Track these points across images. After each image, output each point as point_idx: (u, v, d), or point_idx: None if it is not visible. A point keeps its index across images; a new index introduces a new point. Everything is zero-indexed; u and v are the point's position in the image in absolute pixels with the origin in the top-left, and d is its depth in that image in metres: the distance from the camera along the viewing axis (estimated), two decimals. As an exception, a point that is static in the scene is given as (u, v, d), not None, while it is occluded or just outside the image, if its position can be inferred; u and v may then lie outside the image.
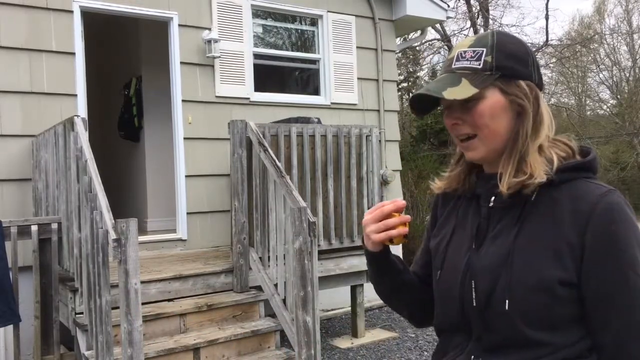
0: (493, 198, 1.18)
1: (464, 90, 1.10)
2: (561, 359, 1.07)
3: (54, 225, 3.93)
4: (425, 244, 1.40)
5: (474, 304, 1.13)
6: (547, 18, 15.02)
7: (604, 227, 1.05)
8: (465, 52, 1.14)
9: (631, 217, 1.08)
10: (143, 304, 3.60)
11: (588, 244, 1.05)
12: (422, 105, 1.21)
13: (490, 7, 15.68)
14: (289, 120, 5.23)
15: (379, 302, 6.43)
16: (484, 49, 1.13)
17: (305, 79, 6.61)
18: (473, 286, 1.14)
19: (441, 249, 1.26)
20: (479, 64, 1.12)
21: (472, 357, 1.15)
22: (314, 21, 6.44)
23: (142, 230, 6.53)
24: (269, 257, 4.16)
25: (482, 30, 15.44)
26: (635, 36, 21.44)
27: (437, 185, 1.31)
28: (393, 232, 1.22)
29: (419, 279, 1.39)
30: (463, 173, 1.26)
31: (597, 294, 1.06)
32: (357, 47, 6.60)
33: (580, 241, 1.06)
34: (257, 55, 5.98)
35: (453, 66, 1.15)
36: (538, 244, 1.09)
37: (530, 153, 1.11)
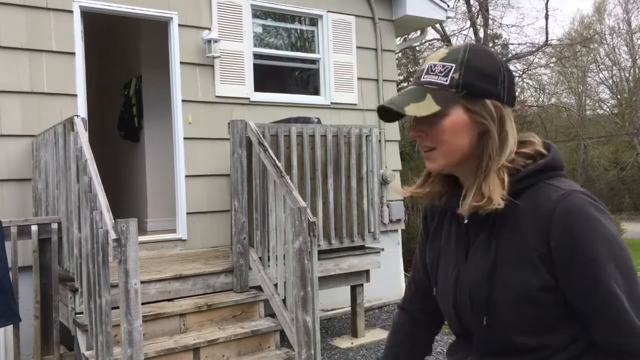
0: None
1: (426, 107, 1.10)
2: None
3: (54, 225, 3.93)
4: (421, 255, 1.42)
5: (466, 318, 1.19)
6: (547, 18, 15.05)
7: (565, 232, 1.05)
8: (435, 65, 1.14)
9: (593, 214, 1.06)
10: (143, 304, 3.60)
11: (554, 249, 1.06)
12: (389, 114, 1.20)
13: (490, 7, 15.68)
14: (288, 120, 5.23)
15: (379, 302, 6.43)
16: (453, 65, 1.12)
17: (305, 79, 6.62)
18: (462, 302, 1.19)
19: (434, 267, 1.31)
20: (446, 80, 1.12)
21: None
22: (313, 21, 6.45)
23: (142, 230, 6.53)
24: (268, 257, 4.16)
25: (482, 31, 15.44)
26: (635, 36, 21.45)
27: (407, 190, 1.32)
28: None
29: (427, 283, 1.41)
30: (441, 188, 1.27)
31: (576, 295, 1.07)
32: (357, 47, 6.60)
33: (547, 247, 1.07)
34: (257, 55, 5.98)
35: (422, 79, 1.15)
36: (512, 256, 1.11)
37: (491, 174, 1.11)
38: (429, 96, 1.11)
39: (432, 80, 1.13)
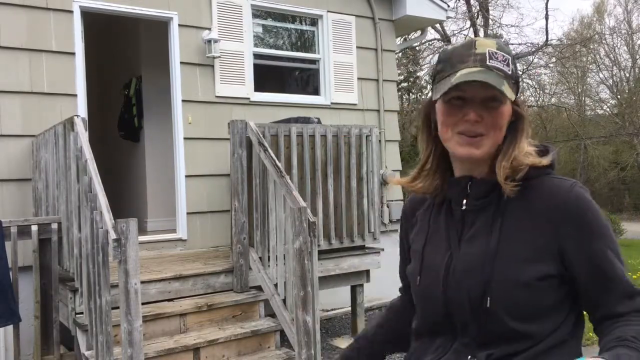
0: (465, 201, 1.23)
1: (508, 92, 1.13)
2: (548, 346, 1.14)
3: (54, 225, 3.93)
4: (403, 258, 1.45)
5: (459, 304, 1.18)
6: (546, 18, 15.07)
7: (580, 217, 1.14)
8: (496, 53, 1.16)
9: (596, 205, 1.18)
10: (143, 304, 3.59)
11: (569, 234, 1.13)
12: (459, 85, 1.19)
13: (490, 7, 15.68)
14: (288, 120, 5.23)
15: (379, 302, 6.43)
16: (509, 57, 1.17)
17: (305, 79, 6.61)
18: (456, 286, 1.19)
19: (418, 256, 1.30)
20: (509, 70, 1.16)
21: (461, 354, 1.19)
22: (314, 21, 6.44)
23: (142, 230, 6.53)
24: (269, 257, 4.16)
25: (482, 31, 15.44)
26: (635, 36, 21.45)
27: (400, 181, 1.36)
28: None
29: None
30: (439, 179, 1.28)
31: (591, 275, 1.14)
32: (357, 47, 6.60)
33: (558, 233, 1.14)
34: (257, 55, 5.98)
35: (488, 63, 1.15)
36: (517, 241, 1.15)
37: (522, 150, 1.18)
38: (505, 82, 1.14)
39: (500, 67, 1.15)
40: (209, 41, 5.51)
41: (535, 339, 1.14)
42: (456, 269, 1.20)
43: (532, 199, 1.17)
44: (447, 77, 1.16)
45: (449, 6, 7.28)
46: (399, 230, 1.46)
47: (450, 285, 1.20)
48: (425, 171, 1.29)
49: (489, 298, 1.13)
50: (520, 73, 18.02)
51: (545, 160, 1.18)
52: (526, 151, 1.18)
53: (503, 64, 1.15)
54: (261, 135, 4.21)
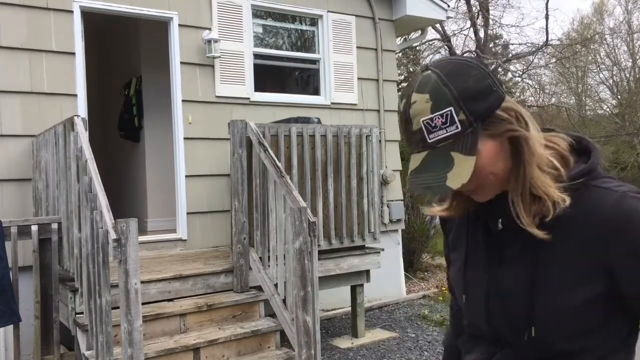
0: (500, 220, 1.13)
1: (462, 167, 1.00)
2: (598, 356, 1.08)
3: (54, 225, 3.93)
4: (447, 258, 1.38)
5: (503, 329, 1.13)
6: (547, 18, 15.01)
7: (629, 239, 1.01)
8: (432, 120, 1.00)
9: None
10: (143, 304, 3.60)
11: (620, 257, 1.02)
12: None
13: (490, 7, 15.68)
14: (289, 120, 5.23)
15: (379, 302, 6.43)
16: (450, 108, 1.00)
17: (305, 79, 6.61)
18: (498, 314, 1.13)
19: (460, 275, 1.23)
20: (457, 127, 1.00)
21: None
22: (314, 21, 6.44)
23: (142, 230, 6.53)
24: (269, 257, 4.16)
25: (482, 31, 15.43)
26: (635, 36, 21.45)
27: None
28: None
29: None
30: (464, 204, 1.19)
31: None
32: (357, 47, 6.60)
33: (606, 253, 1.02)
34: (257, 55, 5.98)
35: (429, 140, 1.01)
36: (560, 264, 1.06)
37: (536, 175, 1.04)
38: (454, 155, 1.00)
39: (442, 135, 1.01)
40: (209, 41, 5.51)
41: (584, 353, 1.08)
42: (497, 295, 1.13)
43: (574, 216, 1.04)
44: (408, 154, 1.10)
45: (449, 6, 7.28)
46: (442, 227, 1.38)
47: (493, 311, 1.14)
48: (457, 196, 1.19)
49: (533, 328, 1.07)
50: (521, 72, 18.01)
51: (567, 198, 1.03)
52: (545, 183, 1.04)
53: (447, 127, 1.00)
54: (261, 135, 4.21)
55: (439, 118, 1.00)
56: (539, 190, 1.04)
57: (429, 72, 1.03)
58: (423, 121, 1.01)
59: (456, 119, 1.00)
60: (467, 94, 1.00)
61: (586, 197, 1.05)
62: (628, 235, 1.01)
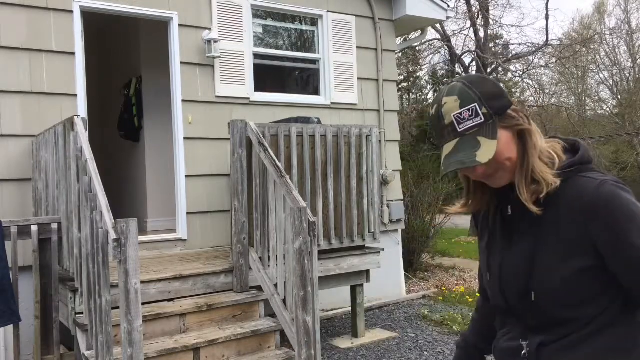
0: (510, 207, 1.39)
1: (488, 147, 1.27)
2: (597, 329, 1.28)
3: (54, 225, 3.93)
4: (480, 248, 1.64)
5: (512, 299, 1.38)
6: (547, 18, 14.99)
7: (607, 217, 1.24)
8: (461, 115, 1.29)
9: (627, 197, 1.26)
10: (143, 304, 3.60)
11: (598, 234, 1.25)
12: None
13: (490, 7, 15.67)
14: (289, 120, 5.23)
15: (379, 302, 6.43)
16: (476, 104, 1.29)
17: (305, 79, 6.61)
18: (507, 285, 1.38)
19: (485, 256, 1.50)
20: (481, 118, 1.29)
21: (517, 339, 1.39)
22: (314, 21, 6.44)
23: (142, 230, 6.53)
24: (269, 257, 4.16)
25: (482, 31, 15.43)
26: (635, 36, 21.45)
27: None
28: None
29: None
30: (484, 196, 1.45)
31: (625, 268, 1.25)
32: (357, 47, 6.60)
33: (589, 232, 1.26)
34: (257, 55, 5.98)
35: (459, 130, 1.29)
36: (553, 240, 1.30)
37: (536, 163, 1.30)
38: (480, 138, 1.28)
39: (470, 125, 1.29)
40: (209, 41, 5.51)
41: (580, 323, 1.28)
42: (505, 270, 1.39)
43: (562, 201, 1.30)
44: (439, 147, 1.35)
45: (449, 6, 7.28)
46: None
47: (503, 283, 1.40)
48: (471, 194, 1.45)
49: (532, 293, 1.32)
50: (521, 72, 18.01)
51: (558, 180, 1.29)
52: (542, 170, 1.30)
53: (473, 118, 1.28)
54: (261, 135, 4.21)
55: (466, 112, 1.29)
56: (537, 175, 1.30)
57: (455, 82, 1.33)
58: (454, 115, 1.30)
59: (480, 112, 1.29)
60: (487, 95, 1.30)
61: (574, 184, 1.30)
62: (603, 214, 1.25)
